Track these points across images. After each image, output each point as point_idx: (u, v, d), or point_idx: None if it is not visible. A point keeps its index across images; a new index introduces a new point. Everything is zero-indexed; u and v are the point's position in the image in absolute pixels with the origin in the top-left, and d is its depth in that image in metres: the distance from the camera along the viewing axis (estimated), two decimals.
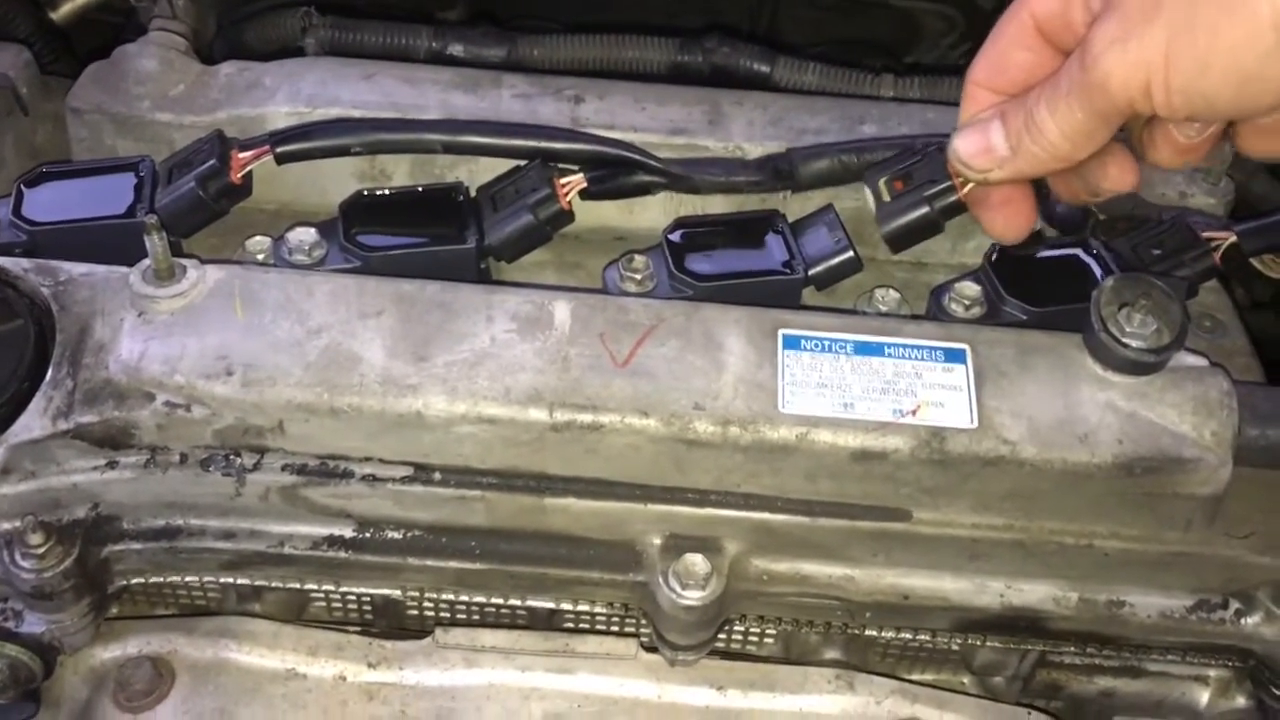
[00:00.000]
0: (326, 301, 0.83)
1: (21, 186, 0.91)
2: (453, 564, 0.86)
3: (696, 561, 0.83)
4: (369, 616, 0.94)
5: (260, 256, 0.91)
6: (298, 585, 0.89)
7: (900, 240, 0.89)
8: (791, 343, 0.83)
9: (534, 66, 1.17)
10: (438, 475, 0.83)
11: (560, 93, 1.02)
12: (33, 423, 0.80)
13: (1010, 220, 0.84)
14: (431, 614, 0.93)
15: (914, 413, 0.80)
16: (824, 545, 0.85)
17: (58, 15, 1.24)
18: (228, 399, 0.79)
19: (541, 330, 0.83)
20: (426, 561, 0.85)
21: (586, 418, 0.79)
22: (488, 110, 0.99)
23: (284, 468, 0.82)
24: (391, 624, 0.94)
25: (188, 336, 0.81)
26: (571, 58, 1.17)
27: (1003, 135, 0.77)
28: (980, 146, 0.79)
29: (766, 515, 0.83)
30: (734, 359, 0.82)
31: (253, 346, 0.81)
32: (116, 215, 0.89)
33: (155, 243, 0.81)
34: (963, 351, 0.83)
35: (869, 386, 0.81)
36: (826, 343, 0.83)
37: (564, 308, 0.84)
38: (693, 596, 0.82)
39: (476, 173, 0.99)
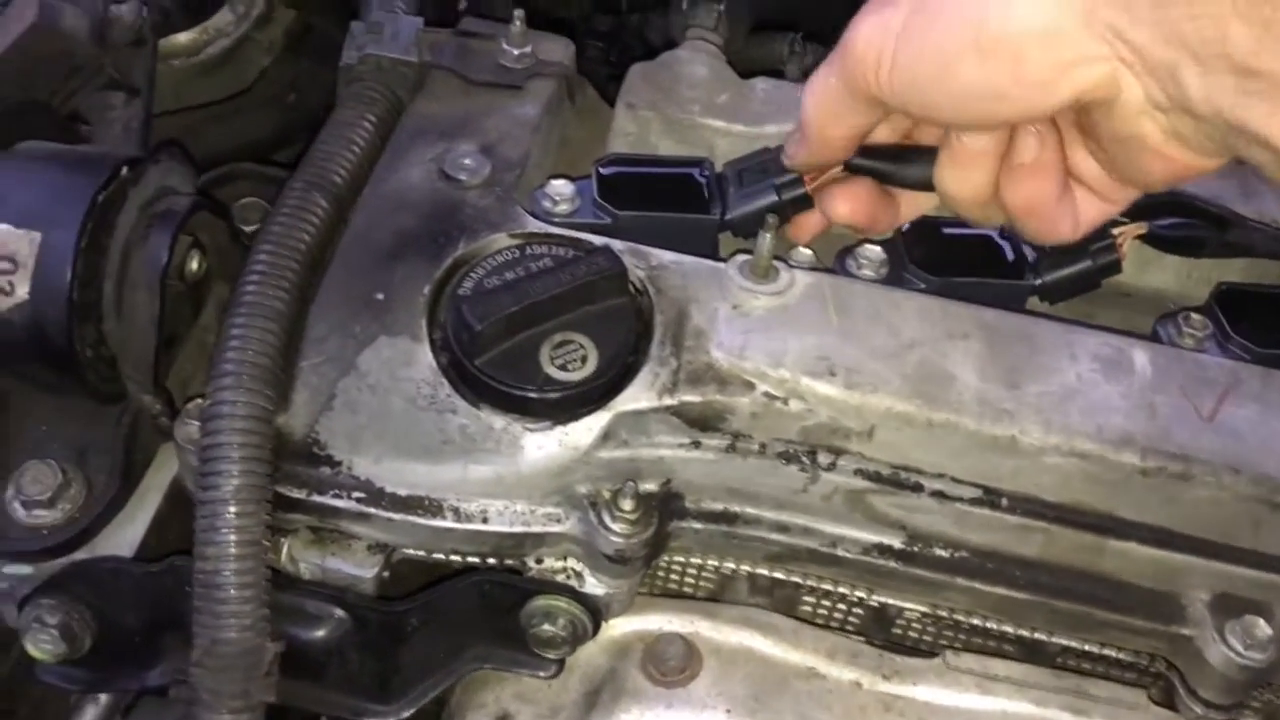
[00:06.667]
0: (915, 317, 0.86)
1: (600, 170, 0.95)
2: (999, 590, 0.87)
3: (1259, 624, 0.83)
4: (851, 625, 0.96)
5: (806, 265, 0.94)
6: (830, 587, 0.91)
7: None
8: None
9: None
10: (1005, 501, 0.84)
11: None
12: (639, 394, 0.83)
13: (855, 212, 0.85)
14: (917, 632, 0.95)
15: None
16: None
17: None
18: (828, 398, 0.82)
19: (1123, 374, 0.84)
20: (974, 584, 0.87)
21: (1178, 467, 0.81)
22: None
23: (857, 471, 0.85)
24: (878, 636, 0.96)
25: (787, 334, 0.84)
26: None
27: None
28: (790, 132, 0.83)
29: None
30: None
31: (851, 351, 0.84)
32: (699, 210, 0.93)
33: (766, 241, 0.85)
34: None
35: None
36: None
37: (1143, 355, 0.85)
38: (1253, 658, 0.83)
39: None
